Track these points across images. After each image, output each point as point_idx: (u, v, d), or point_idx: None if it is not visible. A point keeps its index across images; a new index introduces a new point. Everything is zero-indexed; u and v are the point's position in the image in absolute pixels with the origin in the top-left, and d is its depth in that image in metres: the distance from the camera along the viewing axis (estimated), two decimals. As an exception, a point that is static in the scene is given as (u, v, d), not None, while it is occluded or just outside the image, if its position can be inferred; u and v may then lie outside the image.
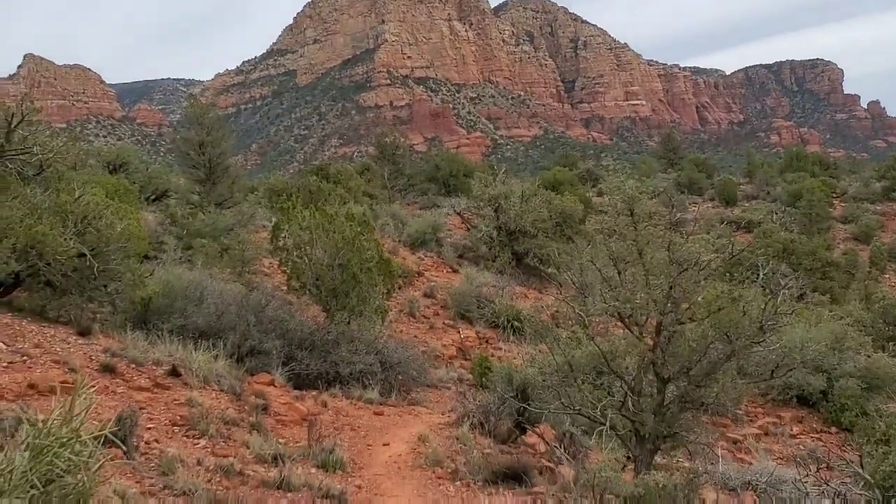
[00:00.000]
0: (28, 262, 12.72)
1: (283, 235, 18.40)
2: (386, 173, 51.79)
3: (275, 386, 12.78)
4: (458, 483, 9.93)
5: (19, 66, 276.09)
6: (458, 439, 11.67)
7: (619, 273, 10.17)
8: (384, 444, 11.24)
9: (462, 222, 38.70)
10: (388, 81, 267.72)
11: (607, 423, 9.79)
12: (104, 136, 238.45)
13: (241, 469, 8.70)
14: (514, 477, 9.75)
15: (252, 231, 26.91)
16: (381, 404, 13.58)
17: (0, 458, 4.27)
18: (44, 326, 12.50)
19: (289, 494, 8.23)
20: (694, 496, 8.18)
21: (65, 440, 4.48)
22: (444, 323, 25.09)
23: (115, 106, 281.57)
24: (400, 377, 15.45)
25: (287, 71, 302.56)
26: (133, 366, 11.48)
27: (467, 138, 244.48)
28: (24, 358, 10.50)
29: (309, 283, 17.35)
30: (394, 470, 10.26)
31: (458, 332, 24.24)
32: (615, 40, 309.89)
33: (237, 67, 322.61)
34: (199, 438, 9.63)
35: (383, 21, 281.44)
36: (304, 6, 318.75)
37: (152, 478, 7.78)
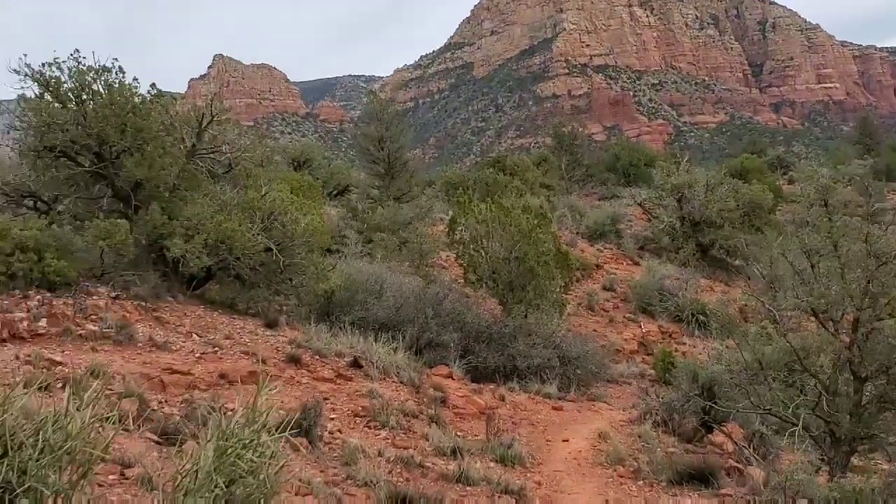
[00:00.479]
0: (219, 256, 16.93)
1: (459, 229, 21.97)
2: (563, 164, 59.57)
3: (453, 379, 15.54)
4: (640, 482, 11.58)
5: (209, 67, 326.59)
6: (640, 437, 13.45)
7: (812, 266, 11.36)
8: (563, 441, 13.29)
9: (643, 213, 43.80)
10: (567, 70, 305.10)
11: (800, 424, 10.93)
12: (289, 133, 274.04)
13: (421, 461, 10.42)
14: (699, 478, 11.24)
15: (429, 224, 31.99)
16: (559, 399, 15.87)
17: (186, 458, 5.40)
18: (233, 318, 16.56)
19: (468, 488, 9.78)
20: (893, 501, 9.10)
21: (247, 441, 5.30)
22: (624, 317, 29.11)
23: (299, 103, 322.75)
24: (579, 372, 18.04)
25: (464, 64, 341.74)
26: (317, 357, 14.70)
27: (648, 126, 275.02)
28: (216, 349, 13.82)
29: (486, 276, 20.57)
30: (573, 467, 12.12)
31: (640, 326, 27.84)
32: (806, 21, 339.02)
33: (415, 62, 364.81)
34: (379, 429, 11.84)
35: (561, 10, 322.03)
36: None
37: (335, 468, 9.50)
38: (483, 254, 21.42)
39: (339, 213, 33.28)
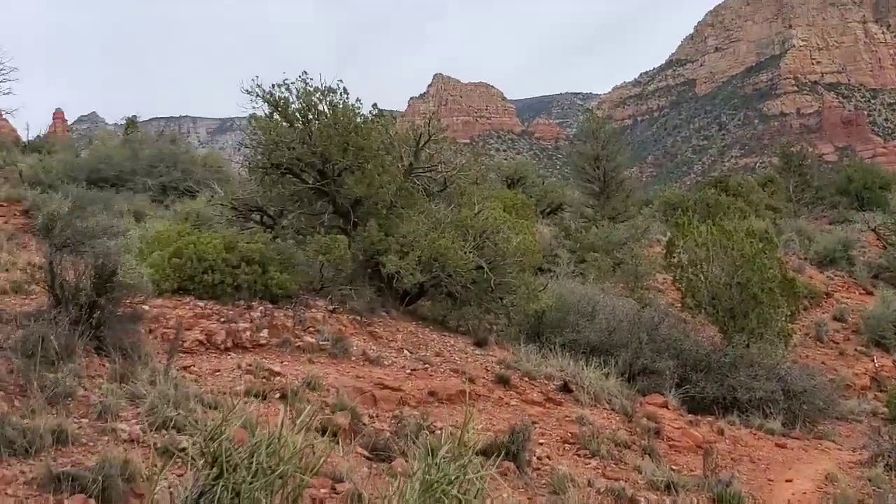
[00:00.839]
0: (431, 273, 17.07)
1: (678, 251, 21.05)
2: (791, 185, 58.55)
3: (667, 408, 14.63)
4: (871, 531, 10.29)
5: (429, 86, 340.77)
6: (870, 481, 12.00)
7: None
8: (787, 481, 12.16)
9: (877, 239, 42.24)
10: (795, 88, 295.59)
11: None
12: (504, 151, 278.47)
13: (633, 495, 10.07)
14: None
15: (645, 246, 31.61)
16: (783, 436, 14.52)
17: (393, 490, 5.49)
18: (444, 335, 16.63)
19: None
20: None
21: (453, 478, 5.27)
22: (855, 349, 28.08)
23: (514, 121, 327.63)
24: (805, 407, 16.77)
25: (685, 81, 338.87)
26: (526, 378, 14.43)
27: (884, 147, 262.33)
28: (426, 366, 13.88)
29: (704, 301, 19.58)
30: (796, 510, 11.01)
31: (873, 360, 26.65)
32: None
33: (634, 79, 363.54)
34: (589, 458, 11.47)
35: (790, 26, 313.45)
36: (706, 14, 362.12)
37: (543, 495, 9.36)
38: (702, 278, 20.65)
39: (551, 231, 33.25)
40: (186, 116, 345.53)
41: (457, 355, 15.25)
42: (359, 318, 15.37)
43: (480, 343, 16.33)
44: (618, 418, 13.72)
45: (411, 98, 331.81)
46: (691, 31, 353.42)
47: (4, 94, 41.78)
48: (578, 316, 17.77)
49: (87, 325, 9.95)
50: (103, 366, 9.67)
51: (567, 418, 12.93)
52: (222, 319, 13.37)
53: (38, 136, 50.14)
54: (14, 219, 23.60)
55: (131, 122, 48.32)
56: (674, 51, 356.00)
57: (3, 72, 40.03)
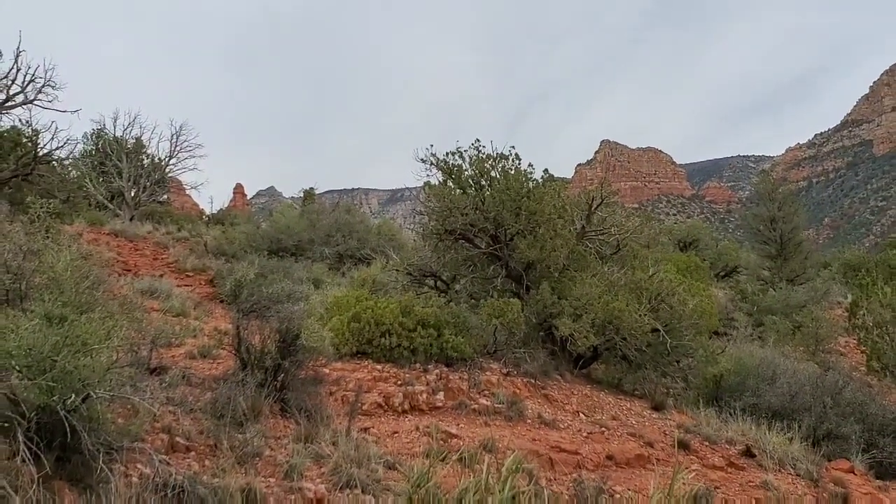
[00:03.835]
0: (605, 336, 16.75)
1: (861, 313, 19.65)
2: None
3: (854, 473, 13.47)
4: None
5: (596, 152, 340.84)
6: None
7: None
8: None
9: None
10: None
11: None
12: (674, 215, 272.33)
13: None
14: None
15: (826, 308, 30.40)
16: None
17: None
18: (620, 399, 16.19)
19: None
20: None
21: None
22: None
23: (684, 185, 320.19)
24: None
25: (862, 141, 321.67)
26: (706, 443, 13.81)
27: None
28: (602, 429, 13.63)
29: (890, 364, 18.00)
30: None
31: None
32: None
33: (808, 141, 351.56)
34: None
35: None
36: (882, 74, 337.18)
37: None
38: (888, 340, 19.14)
39: (727, 294, 32.09)
40: (359, 188, 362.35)
41: (633, 419, 14.88)
42: (533, 381, 15.27)
43: (658, 407, 15.85)
44: (803, 483, 12.88)
45: (578, 165, 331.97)
46: (866, 90, 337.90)
47: (190, 169, 45.47)
48: (758, 380, 17.03)
49: (272, 388, 10.38)
50: (288, 427, 10.02)
51: (751, 483, 12.32)
52: (399, 382, 13.59)
53: (221, 210, 53.32)
54: (200, 287, 25.30)
55: (308, 194, 50.81)
56: (849, 111, 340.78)
57: (189, 149, 43.81)
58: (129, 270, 25.54)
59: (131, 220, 37.93)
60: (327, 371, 13.02)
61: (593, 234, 19.94)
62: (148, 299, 19.20)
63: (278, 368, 10.69)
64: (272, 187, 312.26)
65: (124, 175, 40.45)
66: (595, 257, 19.46)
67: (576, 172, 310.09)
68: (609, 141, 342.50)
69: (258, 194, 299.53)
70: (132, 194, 40.80)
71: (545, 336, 17.58)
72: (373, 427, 11.44)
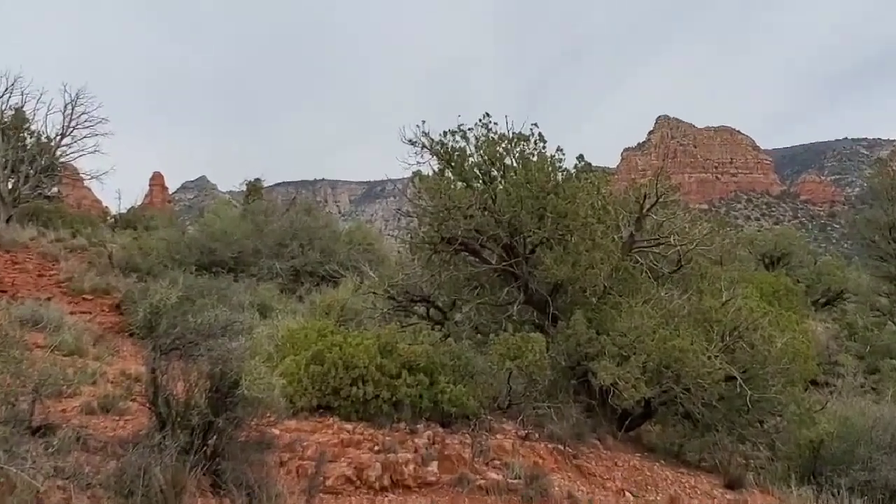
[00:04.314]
0: (661, 385, 16.74)
1: None
2: None
3: None
4: None
5: (650, 133, 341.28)
6: None
7: None
8: None
9: None
10: None
11: None
12: (756, 219, 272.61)
13: None
14: None
15: None
16: None
17: None
18: (680, 472, 16.20)
19: None
20: None
21: None
22: None
23: (771, 178, 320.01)
24: None
25: None
26: None
27: None
28: None
29: None
30: None
31: None
32: None
33: None
34: None
35: None
36: None
37: None
38: None
39: (829, 329, 31.95)
40: (323, 180, 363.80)
41: (699, 501, 14.85)
42: (561, 447, 15.25)
43: (733, 484, 15.84)
44: None
45: (625, 150, 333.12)
46: None
47: (90, 152, 44.85)
48: (872, 448, 16.83)
49: (200, 455, 10.30)
50: (220, 510, 9.97)
51: None
52: (377, 448, 13.57)
53: (133, 208, 53.30)
54: (103, 315, 25.27)
55: (254, 188, 50.78)
56: None
57: (89, 124, 43.49)
58: (4, 292, 25.55)
59: (7, 222, 37.96)
60: (277, 432, 13.01)
61: (645, 244, 19.99)
62: (30, 331, 19.15)
63: (209, 428, 10.66)
64: (203, 178, 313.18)
65: (-2, 160, 40.53)
66: (647, 277, 19.49)
67: (622, 160, 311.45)
68: (668, 117, 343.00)
69: (184, 187, 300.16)
70: (9, 186, 40.80)
71: (578, 385, 17.57)
72: (339, 511, 11.43)
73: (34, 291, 26.16)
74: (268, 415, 11.94)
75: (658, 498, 14.46)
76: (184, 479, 9.83)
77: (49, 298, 25.07)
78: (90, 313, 24.86)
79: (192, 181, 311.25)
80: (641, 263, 19.59)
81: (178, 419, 10.70)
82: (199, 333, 13.55)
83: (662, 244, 20.04)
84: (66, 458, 9.98)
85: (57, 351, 18.19)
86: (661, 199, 20.00)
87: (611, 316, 17.69)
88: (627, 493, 14.36)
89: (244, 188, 51.62)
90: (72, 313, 23.55)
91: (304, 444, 13.31)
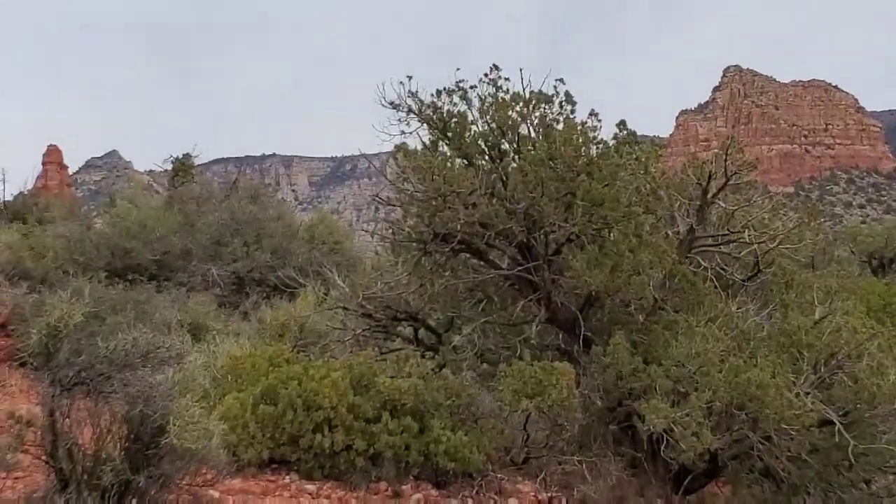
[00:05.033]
0: (732, 433, 16.78)
1: None
2: None
3: None
4: None
5: (716, 89, 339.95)
6: None
7: None
8: None
9: None
10: None
11: None
12: (860, 206, 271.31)
13: None
14: None
15: None
16: None
17: None
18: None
19: None
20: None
21: None
22: None
23: (879, 151, 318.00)
24: None
25: None
26: None
27: None
28: None
29: None
30: None
31: None
32: None
33: None
34: None
35: None
36: None
37: None
38: None
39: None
40: (275, 156, 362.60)
41: None
42: (597, 516, 15.27)
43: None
44: None
45: (682, 113, 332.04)
46: None
47: None
48: None
49: (115, 525, 10.40)
50: None
51: None
52: (348, 517, 13.68)
53: (20, 195, 52.29)
54: (-16, 339, 25.17)
55: (182, 167, 50.33)
56: None
57: None
58: None
59: None
60: (217, 494, 13.12)
61: (710, 242, 20.06)
62: None
63: (126, 489, 10.75)
64: (114, 153, 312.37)
65: None
66: (713, 286, 19.39)
67: (677, 127, 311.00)
68: (740, 69, 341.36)
69: (89, 166, 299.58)
70: None
71: (619, 433, 17.62)
72: None
73: None
74: (204, 472, 12.03)
75: None
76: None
77: None
78: (-37, 335, 24.83)
79: (99, 158, 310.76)
80: (705, 268, 19.53)
81: (85, 477, 10.79)
82: (111, 363, 13.66)
83: (733, 242, 20.08)
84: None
85: (-81, 387, 18.24)
86: (731, 181, 19.96)
87: (663, 339, 17.70)
88: None
89: (169, 167, 51.33)
90: (-61, 336, 23.54)
91: (252, 511, 13.40)
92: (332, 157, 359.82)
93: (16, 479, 12.89)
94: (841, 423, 16.76)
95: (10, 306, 26.12)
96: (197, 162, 52.32)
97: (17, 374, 22.12)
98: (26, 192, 53.47)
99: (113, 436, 10.98)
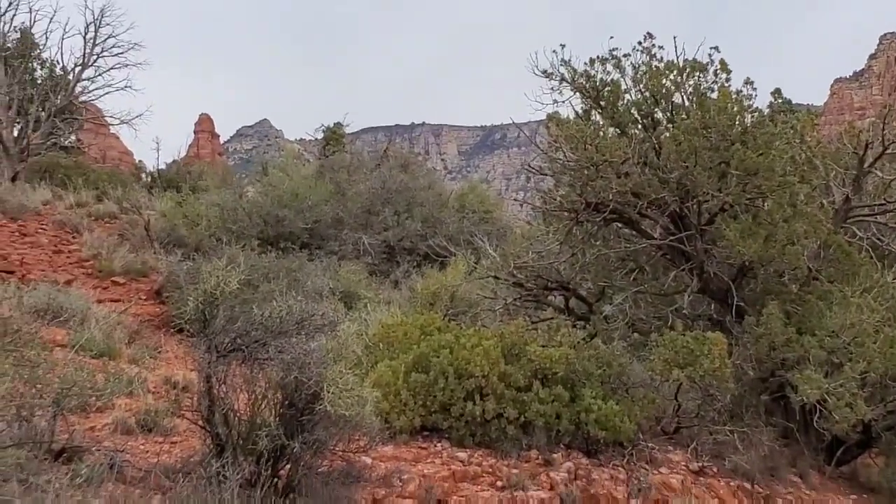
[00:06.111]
0: (886, 404, 16.56)
1: None
2: None
3: None
4: None
5: (871, 57, 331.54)
6: None
7: None
8: None
9: None
10: None
11: None
12: None
13: None
14: None
15: None
16: None
17: None
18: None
19: None
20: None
21: None
22: None
23: None
24: None
25: None
26: None
27: None
28: None
29: None
30: None
31: None
32: None
33: None
34: None
35: None
36: None
37: None
38: None
39: None
40: (424, 125, 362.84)
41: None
42: (748, 485, 15.24)
43: None
44: None
45: (837, 81, 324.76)
46: None
47: (119, 89, 43.99)
48: None
49: (269, 489, 10.46)
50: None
51: None
52: (500, 484, 13.71)
53: (175, 162, 53.30)
54: (139, 304, 25.32)
55: (333, 137, 50.08)
56: None
57: (118, 51, 42.46)
58: (11, 273, 25.90)
59: (13, 180, 38.39)
60: (369, 461, 13.18)
61: (867, 212, 19.71)
62: (46, 325, 19.54)
63: (281, 454, 10.84)
64: (265, 122, 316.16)
65: None
66: (869, 256, 19.15)
67: (832, 96, 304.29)
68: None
69: (240, 135, 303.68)
70: (14, 134, 41.33)
71: (772, 403, 17.44)
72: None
73: (50, 272, 26.39)
74: (357, 438, 12.09)
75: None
76: (252, 520, 9.98)
77: (69, 282, 25.32)
78: (123, 301, 25.02)
79: (250, 126, 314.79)
80: (860, 238, 19.26)
81: (241, 442, 10.87)
82: (266, 330, 13.73)
83: (890, 212, 19.72)
84: (96, 491, 10.22)
85: (82, 351, 18.53)
86: (889, 150, 19.61)
87: (818, 309, 17.47)
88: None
89: (320, 136, 51.30)
90: (99, 301, 23.65)
91: (405, 477, 13.44)
92: (481, 127, 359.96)
93: (172, 443, 13.03)
94: None
95: (165, 273, 26.38)
96: (347, 131, 52.26)
97: (173, 341, 22.34)
98: (179, 161, 53.46)
99: (268, 402, 11.05)
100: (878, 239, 19.57)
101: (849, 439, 17.31)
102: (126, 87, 42.91)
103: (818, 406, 16.18)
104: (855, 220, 19.50)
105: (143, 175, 51.19)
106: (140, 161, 61.20)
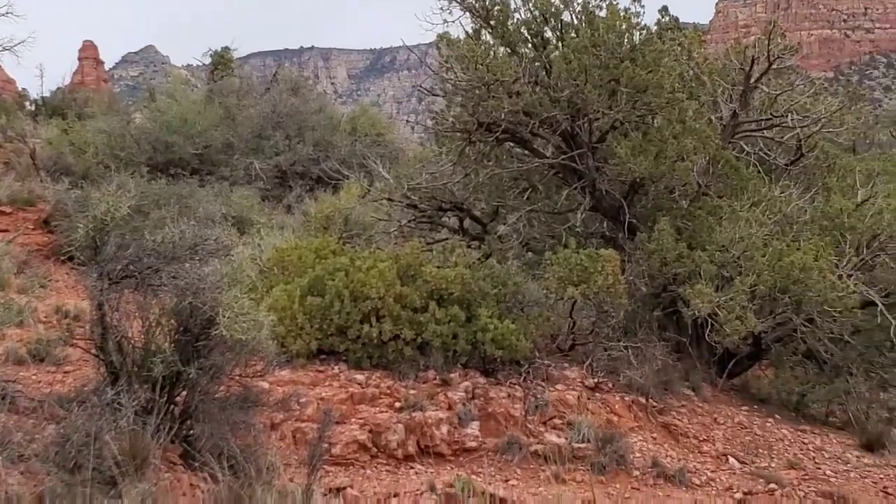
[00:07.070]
0: (775, 316, 16.79)
1: None
2: None
3: None
4: None
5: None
6: None
7: None
8: None
9: None
10: None
11: None
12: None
13: None
14: None
15: None
16: None
17: None
18: (801, 430, 16.31)
19: None
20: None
21: None
22: None
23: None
24: None
25: None
26: None
27: None
28: (771, 486, 13.45)
29: None
30: None
31: None
32: None
33: None
34: None
35: None
36: None
37: None
38: None
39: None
40: (313, 49, 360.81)
41: (828, 466, 14.89)
42: (643, 399, 15.43)
43: (872, 444, 15.91)
44: None
45: (721, 0, 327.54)
46: None
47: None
48: None
49: (166, 416, 10.34)
50: (196, 488, 10.04)
51: None
52: (398, 405, 13.73)
53: (60, 90, 51.63)
54: (27, 234, 25.09)
55: (221, 61, 49.62)
56: None
57: None
58: None
59: None
60: (267, 385, 13.13)
61: (754, 127, 19.97)
62: (-70, 258, 19.30)
63: (177, 381, 10.74)
64: (150, 48, 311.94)
65: None
66: (756, 171, 19.42)
67: (717, 14, 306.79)
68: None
69: (125, 61, 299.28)
70: None
71: (665, 318, 17.65)
72: (351, 486, 11.55)
73: (-67, 204, 26.16)
74: (254, 363, 12.01)
75: (773, 464, 14.56)
76: (146, 447, 9.81)
77: (-46, 214, 25.09)
78: (9, 231, 24.75)
79: (135, 53, 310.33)
80: (748, 153, 19.51)
81: (136, 370, 10.75)
82: (159, 256, 13.57)
83: (776, 126, 19.95)
84: (-11, 423, 10.03)
85: (-31, 284, 18.31)
86: (774, 65, 19.77)
87: (708, 224, 17.67)
88: (731, 459, 14.51)
89: (207, 61, 50.82)
90: (-15, 233, 23.49)
91: (303, 400, 13.43)
92: (371, 50, 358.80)
93: (65, 373, 12.97)
94: (883, 304, 16.88)
95: (53, 202, 26.06)
96: (235, 56, 51.79)
97: (63, 271, 22.16)
98: (64, 88, 52.81)
99: (162, 328, 10.91)
100: (765, 153, 19.82)
101: (739, 352, 17.56)
102: (7, 13, 41.93)
103: (709, 320, 16.39)
104: (742, 136, 19.73)
105: (28, 103, 50.38)
106: (24, 89, 60.16)
